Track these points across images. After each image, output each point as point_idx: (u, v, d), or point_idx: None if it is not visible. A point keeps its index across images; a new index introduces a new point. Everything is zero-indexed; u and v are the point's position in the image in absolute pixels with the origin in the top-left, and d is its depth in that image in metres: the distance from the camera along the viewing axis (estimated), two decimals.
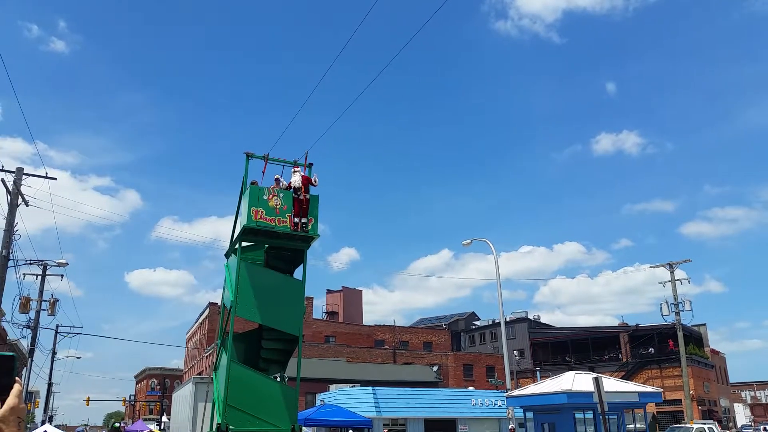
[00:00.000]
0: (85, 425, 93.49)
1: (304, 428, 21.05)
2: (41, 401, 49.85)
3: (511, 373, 33.47)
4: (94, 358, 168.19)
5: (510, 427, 26.64)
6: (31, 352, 35.18)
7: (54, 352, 45.37)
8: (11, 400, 1.93)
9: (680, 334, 41.19)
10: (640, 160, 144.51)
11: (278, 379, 14.93)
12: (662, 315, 41.33)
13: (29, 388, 47.60)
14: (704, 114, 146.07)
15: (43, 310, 34.32)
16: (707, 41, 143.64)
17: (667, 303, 40.77)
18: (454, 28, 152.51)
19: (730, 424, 60.92)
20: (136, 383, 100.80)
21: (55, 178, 26.88)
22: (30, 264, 32.16)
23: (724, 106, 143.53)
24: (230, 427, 13.07)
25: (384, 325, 65.55)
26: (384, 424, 28.54)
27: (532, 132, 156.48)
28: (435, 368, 54.44)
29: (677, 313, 40.46)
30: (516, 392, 23.27)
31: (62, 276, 34.78)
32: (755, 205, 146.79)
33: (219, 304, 16.41)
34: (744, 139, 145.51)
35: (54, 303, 34.77)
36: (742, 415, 70.91)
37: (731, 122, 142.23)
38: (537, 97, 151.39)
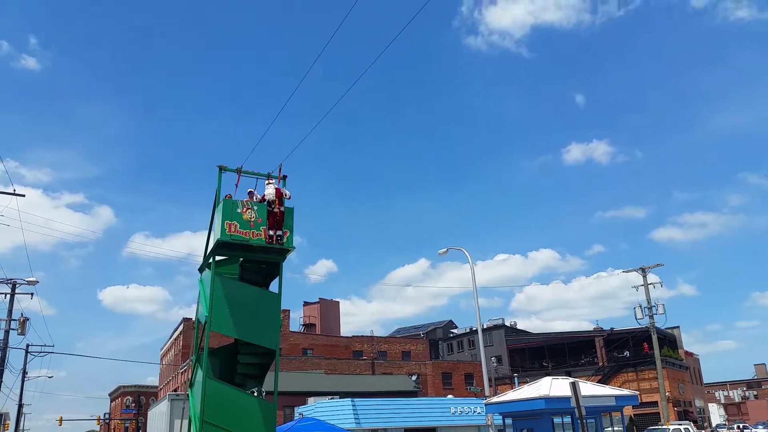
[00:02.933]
0: None
1: None
2: (11, 423, 48.53)
3: (490, 380, 33.61)
4: (67, 377, 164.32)
5: None
6: (0, 372, 34.28)
7: (24, 372, 44.33)
8: None
9: (655, 337, 41.80)
10: (611, 168, 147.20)
11: (255, 394, 14.77)
12: (636, 319, 41.94)
13: None
14: (671, 121, 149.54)
15: (13, 329, 33.55)
16: (671, 51, 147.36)
17: (640, 307, 41.38)
18: (427, 43, 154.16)
19: (705, 424, 61.89)
20: (111, 401, 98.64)
21: (23, 195, 26.43)
22: None
23: (690, 113, 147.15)
24: None
25: (362, 336, 65.30)
26: None
27: (504, 143, 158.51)
28: (414, 377, 54.36)
29: (651, 317, 41.07)
30: (494, 399, 23.36)
31: (32, 294, 34.07)
32: (723, 210, 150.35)
33: (193, 319, 16.21)
34: (710, 145, 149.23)
35: (24, 322, 34.01)
36: (716, 414, 72.17)
37: (698, 128, 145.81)
38: (508, 109, 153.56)
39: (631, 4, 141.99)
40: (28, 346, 42.92)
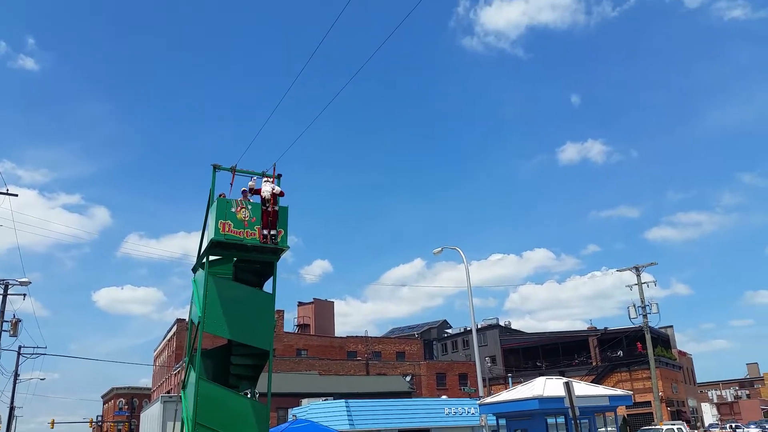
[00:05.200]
0: None
1: None
2: (3, 426, 48.18)
3: (484, 380, 33.60)
4: (60, 379, 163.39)
5: None
6: None
7: (16, 374, 44.01)
8: None
9: (648, 337, 41.90)
10: (606, 167, 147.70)
11: (249, 396, 14.67)
12: (630, 318, 42.05)
13: None
14: (666, 120, 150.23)
15: (5, 330, 33.29)
16: (666, 50, 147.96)
17: (634, 306, 41.49)
18: (423, 43, 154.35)
19: (698, 424, 62.13)
20: (104, 404, 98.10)
21: (16, 195, 26.26)
22: None
23: (685, 111, 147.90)
24: None
25: (356, 337, 65.21)
26: None
27: (500, 142, 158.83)
28: (408, 378, 54.33)
29: (645, 316, 41.18)
30: (488, 399, 23.35)
31: (25, 295, 33.84)
32: (717, 210, 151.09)
33: (187, 320, 16.08)
34: (705, 143, 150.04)
35: (16, 323, 33.76)
36: (709, 414, 72.36)
37: (693, 127, 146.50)
38: (504, 108, 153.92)
39: (625, 5, 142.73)
40: (20, 347, 42.68)
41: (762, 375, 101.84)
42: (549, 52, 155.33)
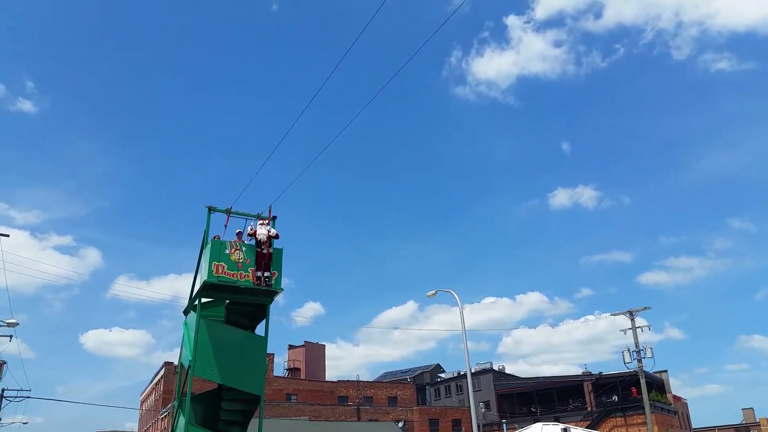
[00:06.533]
0: None
1: None
2: None
3: (478, 426, 32.92)
4: (43, 423, 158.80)
5: None
6: None
7: None
8: None
9: (643, 381, 41.45)
10: (597, 212, 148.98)
11: None
12: (624, 363, 41.63)
13: None
14: (657, 167, 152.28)
15: None
16: (655, 99, 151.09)
17: (629, 350, 41.16)
18: (416, 90, 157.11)
19: None
20: None
21: (7, 235, 26.01)
22: None
23: (674, 158, 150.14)
24: None
25: (348, 381, 64.17)
26: None
27: (492, 187, 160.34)
28: (400, 424, 53.26)
29: (639, 360, 40.81)
30: None
31: (11, 336, 33.16)
32: (708, 254, 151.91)
33: (175, 363, 15.74)
34: (695, 189, 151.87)
35: (1, 365, 33.07)
36: None
37: (683, 173, 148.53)
38: (497, 154, 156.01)
39: (614, 56, 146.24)
40: (3, 390, 41.55)
41: (758, 420, 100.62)
42: (540, 100, 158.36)
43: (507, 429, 48.74)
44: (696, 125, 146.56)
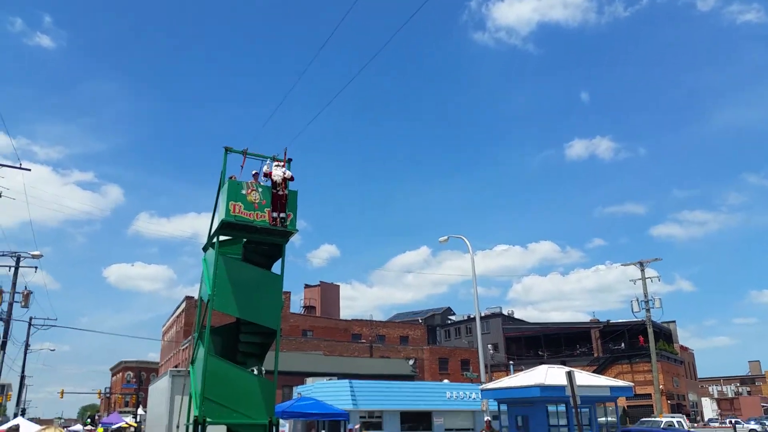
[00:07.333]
0: (59, 418, 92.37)
1: (281, 421, 21.16)
2: (14, 394, 49.21)
3: (486, 366, 33.98)
4: (70, 351, 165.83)
5: (485, 419, 27.07)
6: (3, 344, 34.71)
7: (27, 345, 44.82)
8: None
9: (650, 330, 42.10)
10: (613, 164, 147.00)
11: (256, 373, 15.03)
12: (633, 312, 42.24)
13: (1, 381, 46.95)
14: (675, 119, 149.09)
15: (16, 302, 33.89)
16: (677, 51, 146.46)
17: (637, 300, 41.65)
18: (435, 35, 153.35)
19: (698, 418, 62.46)
20: (112, 376, 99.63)
21: (29, 170, 26.65)
22: (3, 255, 31.79)
23: (694, 111, 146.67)
24: (207, 419, 13.15)
25: (361, 320, 65.78)
26: (360, 417, 28.81)
27: (508, 135, 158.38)
28: (411, 362, 54.85)
29: (647, 310, 41.35)
30: (490, 385, 23.63)
31: (36, 268, 34.37)
32: (722, 209, 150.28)
33: (196, 297, 16.46)
34: (712, 143, 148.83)
35: (27, 295, 34.37)
36: (709, 409, 72.70)
37: (701, 126, 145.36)
38: (514, 103, 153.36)
39: (637, 5, 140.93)
40: (31, 318, 43.32)
41: (764, 373, 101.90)
42: (560, 48, 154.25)
43: (514, 370, 50.06)
44: (717, 78, 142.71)
